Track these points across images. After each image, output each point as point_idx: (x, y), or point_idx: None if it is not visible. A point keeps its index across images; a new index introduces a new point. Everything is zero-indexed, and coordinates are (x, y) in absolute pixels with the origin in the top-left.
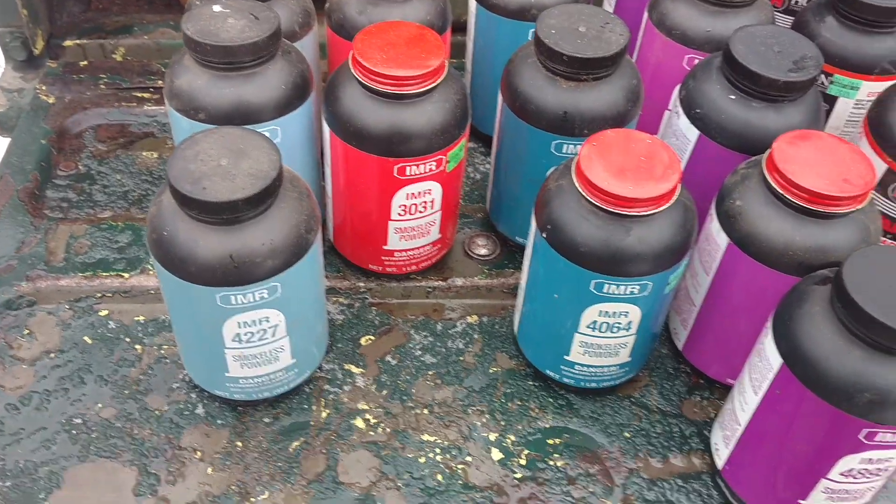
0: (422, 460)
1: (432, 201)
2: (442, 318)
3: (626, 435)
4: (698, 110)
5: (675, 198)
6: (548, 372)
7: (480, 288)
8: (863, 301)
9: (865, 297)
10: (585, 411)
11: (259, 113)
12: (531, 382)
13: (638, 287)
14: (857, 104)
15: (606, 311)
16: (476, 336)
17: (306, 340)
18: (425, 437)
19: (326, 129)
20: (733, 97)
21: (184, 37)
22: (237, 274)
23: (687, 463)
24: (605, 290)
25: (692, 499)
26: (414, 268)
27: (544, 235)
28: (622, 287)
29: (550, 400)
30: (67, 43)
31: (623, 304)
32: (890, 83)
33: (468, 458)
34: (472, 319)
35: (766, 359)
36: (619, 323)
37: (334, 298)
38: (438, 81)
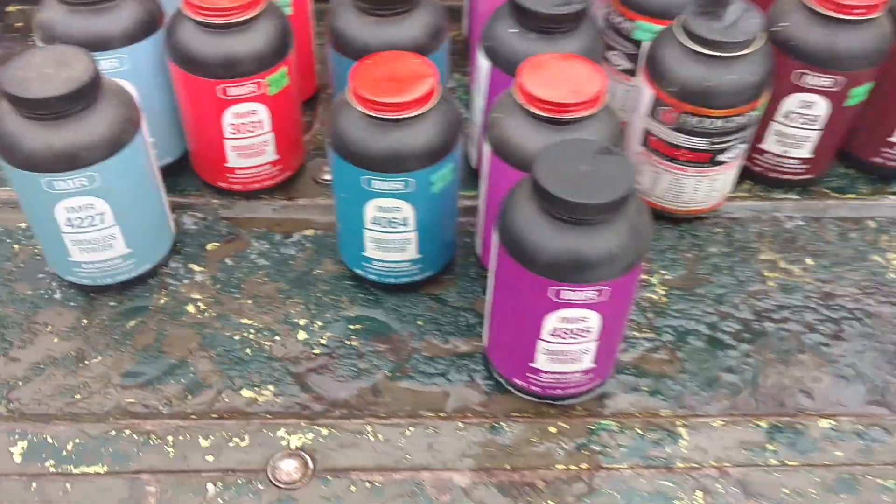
0: (236, 338)
1: (260, 122)
2: (282, 230)
3: (419, 323)
4: (488, 44)
5: (429, 106)
6: (356, 270)
7: (322, 207)
8: (544, 179)
9: (548, 176)
10: (388, 304)
11: (106, 42)
12: (347, 282)
13: (402, 184)
14: None
15: (382, 206)
16: (309, 245)
17: (139, 233)
18: (244, 321)
19: (168, 61)
20: (514, 31)
21: None
22: (57, 162)
23: (466, 346)
24: (374, 186)
25: (461, 372)
26: (257, 186)
27: (330, 143)
28: (388, 183)
29: (361, 295)
30: (10, 8)
31: (394, 200)
32: None
33: (276, 338)
34: (309, 232)
35: (495, 241)
36: (396, 218)
37: (191, 213)
38: (256, 13)
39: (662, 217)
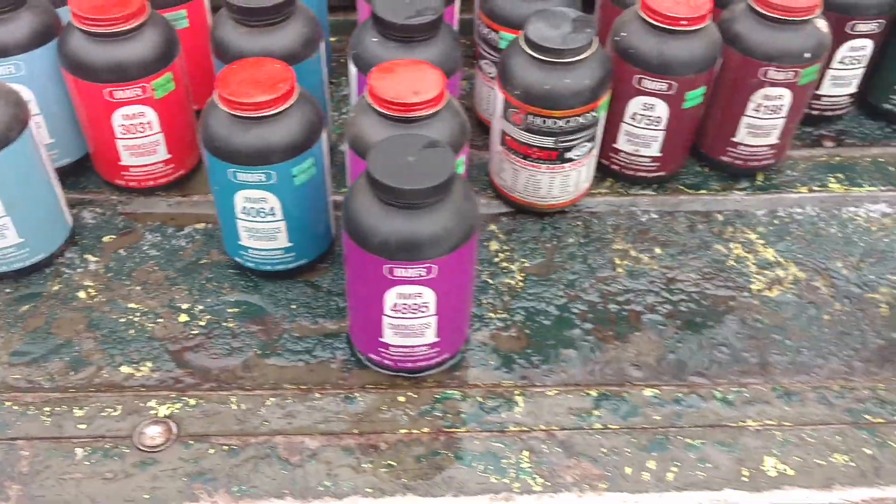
0: (122, 320)
1: (149, 123)
2: (176, 224)
3: (293, 307)
4: (355, 52)
5: (285, 105)
6: (236, 258)
7: (213, 203)
8: (373, 169)
9: (378, 166)
10: (266, 290)
11: (3, 50)
12: (231, 270)
13: (264, 175)
14: None
15: (249, 197)
16: (199, 237)
17: (31, 224)
18: (131, 305)
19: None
20: (375, 40)
21: None
22: None
23: (333, 326)
24: (240, 178)
25: (327, 350)
26: (152, 183)
27: (202, 139)
28: (251, 175)
29: (242, 282)
30: None
31: (259, 191)
32: None
33: (159, 320)
34: (200, 226)
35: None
36: (264, 208)
37: (91, 208)
38: (139, 23)
39: (526, 211)
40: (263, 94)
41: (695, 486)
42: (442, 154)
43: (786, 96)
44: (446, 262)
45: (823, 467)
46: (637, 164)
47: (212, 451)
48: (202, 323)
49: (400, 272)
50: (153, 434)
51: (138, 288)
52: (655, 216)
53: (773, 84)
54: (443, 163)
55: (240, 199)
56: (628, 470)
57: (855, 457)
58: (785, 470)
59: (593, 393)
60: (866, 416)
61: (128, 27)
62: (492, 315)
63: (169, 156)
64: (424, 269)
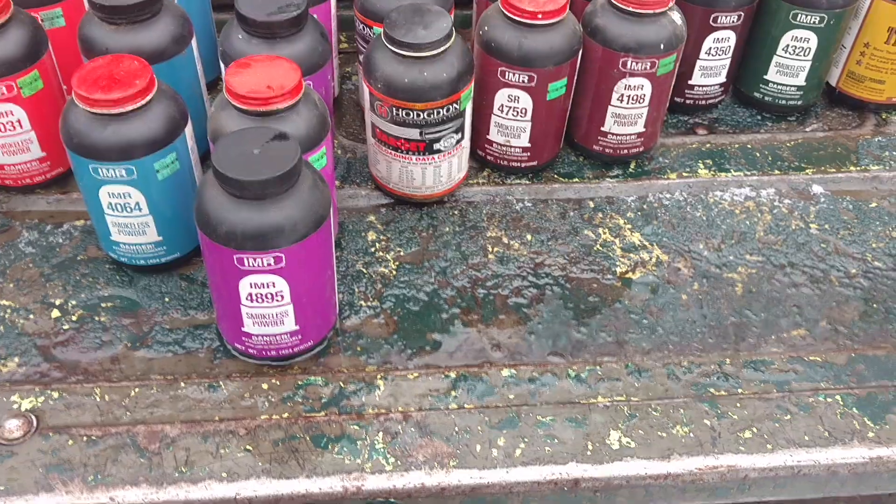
0: None
1: (18, 121)
2: (54, 221)
3: (167, 300)
4: (222, 49)
5: (141, 102)
6: (110, 254)
7: None
8: (217, 161)
9: (221, 158)
10: (141, 284)
11: None
12: (108, 266)
13: (124, 171)
14: None
15: (113, 193)
16: (77, 234)
17: None
18: (3, 302)
19: None
20: (241, 36)
21: None
22: None
23: (204, 318)
24: (102, 174)
25: (197, 340)
26: (28, 181)
27: (63, 136)
28: (112, 170)
29: (117, 277)
30: None
31: (123, 187)
32: None
33: (30, 316)
34: (80, 223)
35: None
36: (129, 203)
37: None
38: (2, 21)
39: (405, 202)
40: (119, 91)
41: (540, 461)
42: (286, 146)
43: (646, 86)
44: (296, 251)
45: (664, 439)
46: (509, 155)
47: (71, 442)
48: (74, 318)
49: (250, 262)
50: (12, 427)
51: (11, 285)
52: (529, 204)
53: (633, 74)
54: (287, 155)
55: (104, 194)
56: (478, 447)
57: (695, 428)
58: (628, 443)
59: (452, 374)
60: (710, 390)
61: None
62: (363, 303)
63: (43, 154)
64: (273, 259)
